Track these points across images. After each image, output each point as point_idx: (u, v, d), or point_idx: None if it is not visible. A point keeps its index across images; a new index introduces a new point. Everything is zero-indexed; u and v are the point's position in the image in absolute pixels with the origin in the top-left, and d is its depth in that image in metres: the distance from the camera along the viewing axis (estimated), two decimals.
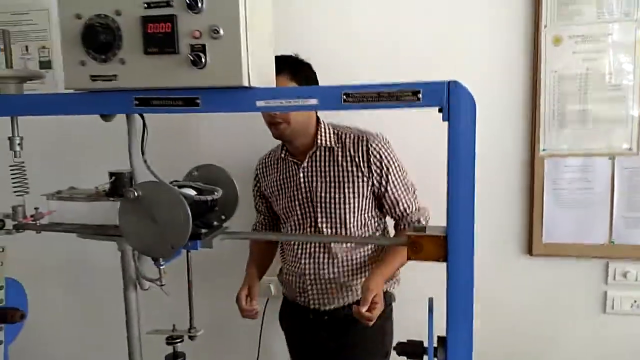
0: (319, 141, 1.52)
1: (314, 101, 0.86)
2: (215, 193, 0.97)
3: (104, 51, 0.85)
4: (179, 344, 1.04)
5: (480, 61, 1.72)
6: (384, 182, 1.51)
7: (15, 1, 1.99)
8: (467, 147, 0.80)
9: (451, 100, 0.79)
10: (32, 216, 1.06)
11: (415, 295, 1.41)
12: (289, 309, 1.71)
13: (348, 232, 1.54)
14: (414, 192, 1.56)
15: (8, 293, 1.15)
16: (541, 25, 1.63)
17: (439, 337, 0.86)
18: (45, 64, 1.97)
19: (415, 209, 1.55)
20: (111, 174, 1.09)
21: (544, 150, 1.69)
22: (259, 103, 0.86)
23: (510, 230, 1.79)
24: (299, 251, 1.59)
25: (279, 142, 1.60)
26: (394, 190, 1.52)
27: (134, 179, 0.98)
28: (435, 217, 1.49)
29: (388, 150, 1.51)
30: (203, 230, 0.95)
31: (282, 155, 1.59)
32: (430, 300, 0.91)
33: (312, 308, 1.59)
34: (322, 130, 1.53)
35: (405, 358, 0.94)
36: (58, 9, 0.87)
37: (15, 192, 1.07)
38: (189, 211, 0.86)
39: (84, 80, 0.87)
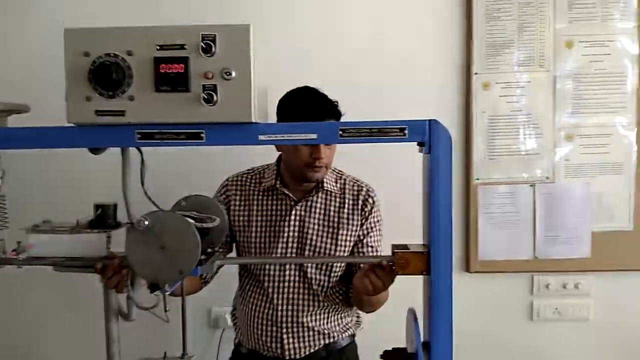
0: (325, 185, 1.44)
1: (313, 136, 0.95)
2: (213, 220, 1.01)
3: (113, 88, 0.86)
4: None
5: (422, 105, 1.86)
6: (365, 230, 1.47)
7: None
8: (445, 174, 0.92)
9: (432, 136, 0.93)
10: (14, 250, 1.03)
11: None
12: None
13: (333, 279, 1.47)
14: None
15: None
16: (472, 72, 1.87)
17: (422, 343, 0.96)
18: None
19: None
20: (97, 206, 1.09)
21: (477, 179, 1.90)
22: (261, 137, 0.92)
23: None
24: (275, 295, 1.45)
25: (253, 167, 1.53)
26: (372, 239, 1.49)
27: (128, 210, 0.99)
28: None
29: (378, 204, 1.49)
30: (202, 257, 0.99)
31: (277, 185, 1.45)
32: (413, 311, 1.02)
33: (287, 358, 1.46)
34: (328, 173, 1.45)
35: None
36: (65, 45, 0.87)
37: None
38: (199, 238, 0.91)
39: (89, 115, 0.88)
